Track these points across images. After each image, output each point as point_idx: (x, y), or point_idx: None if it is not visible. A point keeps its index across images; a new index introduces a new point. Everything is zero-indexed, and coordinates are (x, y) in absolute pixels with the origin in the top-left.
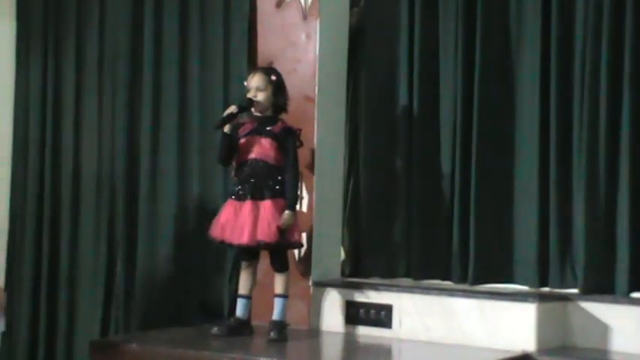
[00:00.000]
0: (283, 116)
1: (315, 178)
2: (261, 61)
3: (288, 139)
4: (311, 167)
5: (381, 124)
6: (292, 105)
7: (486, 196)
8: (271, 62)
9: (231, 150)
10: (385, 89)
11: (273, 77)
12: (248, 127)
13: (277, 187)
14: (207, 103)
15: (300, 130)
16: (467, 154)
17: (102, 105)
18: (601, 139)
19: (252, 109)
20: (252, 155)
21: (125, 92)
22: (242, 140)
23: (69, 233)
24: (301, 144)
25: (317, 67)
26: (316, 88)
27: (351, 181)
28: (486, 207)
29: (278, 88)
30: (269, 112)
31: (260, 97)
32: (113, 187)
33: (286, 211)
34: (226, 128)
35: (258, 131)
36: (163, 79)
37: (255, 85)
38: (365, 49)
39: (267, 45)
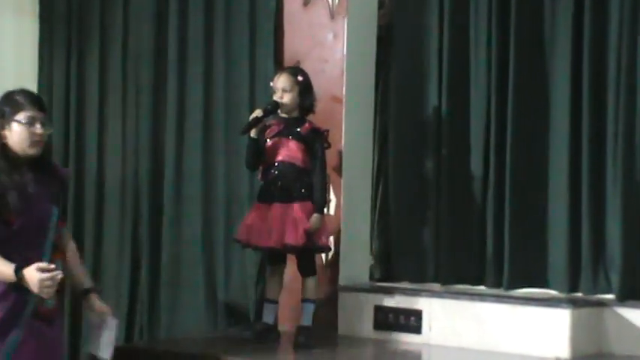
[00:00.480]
0: (310, 117)
1: (343, 180)
2: (288, 61)
3: (316, 141)
4: (339, 170)
5: (411, 125)
6: (319, 106)
7: (520, 199)
8: (298, 62)
9: (259, 154)
10: (414, 89)
11: (300, 77)
12: (275, 129)
13: (305, 189)
14: (233, 104)
15: (328, 131)
16: (500, 157)
17: (126, 105)
18: (637, 141)
19: (279, 111)
20: (279, 158)
21: (149, 92)
22: (269, 143)
23: (93, 235)
24: (329, 146)
25: (345, 67)
26: (344, 89)
27: (380, 184)
28: (520, 211)
29: (305, 89)
30: (296, 114)
31: (286, 98)
32: (137, 190)
33: (314, 214)
34: (252, 133)
35: (285, 133)
36: (188, 79)
37: (281, 86)
38: (393, 49)
39: (294, 45)
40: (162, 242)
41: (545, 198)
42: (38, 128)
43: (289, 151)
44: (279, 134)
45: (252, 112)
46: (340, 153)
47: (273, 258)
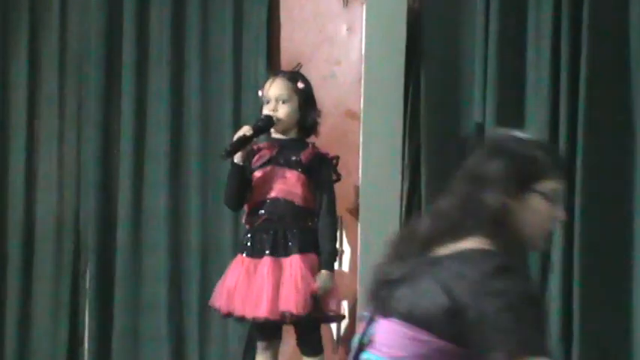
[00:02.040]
0: (314, 139)
1: (360, 224)
2: (286, 62)
3: (322, 171)
4: (354, 209)
5: (451, 145)
6: (327, 123)
7: (593, 231)
8: (299, 65)
9: (244, 187)
10: (456, 99)
11: (300, 85)
12: (266, 155)
13: (307, 237)
14: (211, 121)
15: (338, 158)
16: (570, 181)
17: (64, 123)
18: None
19: (272, 130)
20: (271, 193)
21: (96, 107)
22: (258, 173)
23: (17, 299)
24: (339, 177)
25: (363, 70)
26: (362, 100)
27: None
28: (593, 246)
29: (307, 100)
30: (294, 134)
31: (282, 112)
32: (78, 236)
33: (321, 271)
34: (237, 157)
35: (281, 160)
36: (149, 87)
37: (275, 96)
38: (428, 46)
39: (294, 41)
40: (114, 309)
41: (630, 220)
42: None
43: (286, 185)
44: (271, 161)
45: (236, 130)
46: (356, 188)
47: (265, 331)
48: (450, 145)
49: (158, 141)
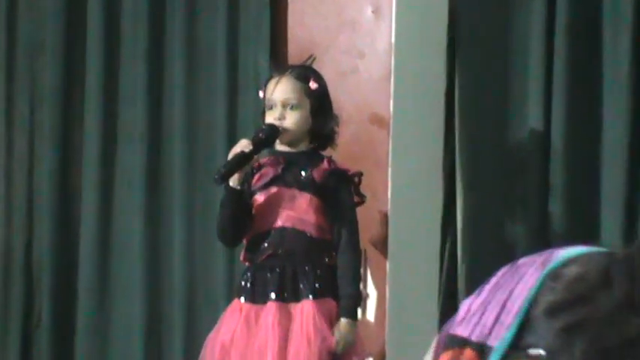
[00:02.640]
0: (330, 152)
1: (389, 261)
2: (295, 54)
3: (341, 192)
4: (382, 241)
5: (501, 158)
6: (347, 132)
7: None
8: (312, 57)
9: (242, 216)
10: (509, 101)
11: (313, 84)
12: (269, 173)
13: (323, 277)
14: (198, 132)
15: (361, 175)
16: None
17: (12, 131)
18: None
19: (277, 142)
20: (277, 222)
21: (53, 111)
22: (259, 196)
23: None
24: (363, 200)
25: (392, 64)
26: (391, 103)
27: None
28: None
29: (321, 104)
30: (305, 146)
31: (290, 119)
32: (31, 278)
33: (341, 321)
34: (233, 180)
35: (288, 179)
36: (120, 87)
37: (281, 99)
38: (466, 32)
39: (305, 26)
40: None
41: None
42: None
43: (295, 211)
44: (277, 181)
45: (231, 145)
46: (384, 213)
47: None
48: (499, 155)
49: (131, 155)
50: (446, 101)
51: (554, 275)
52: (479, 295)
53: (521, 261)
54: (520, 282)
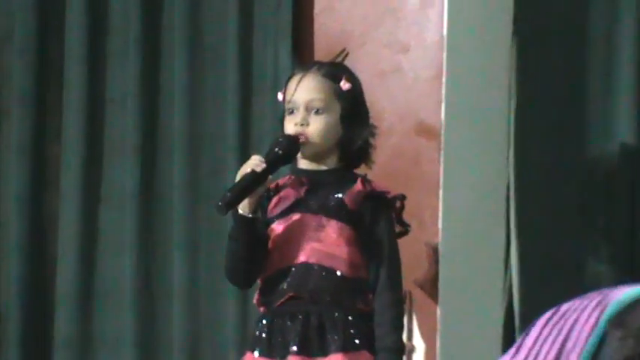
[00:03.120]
0: (365, 171)
1: (440, 305)
2: (322, 48)
3: (379, 220)
4: (430, 281)
5: (576, 183)
6: (387, 144)
7: None
8: (344, 51)
9: (255, 250)
10: (588, 113)
11: (346, 85)
12: (289, 197)
13: (357, 326)
14: (202, 143)
15: (404, 198)
16: None
17: None
18: None
19: (299, 156)
20: (299, 257)
21: (24, 117)
22: (277, 226)
23: None
24: (406, 229)
25: (444, 62)
26: (442, 108)
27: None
28: None
29: (354, 109)
30: (333, 162)
31: (315, 127)
32: None
33: None
34: (243, 207)
35: (313, 205)
36: (108, 87)
37: (304, 102)
38: (528, 23)
39: (336, 14)
40: None
41: None
42: None
43: (322, 243)
44: (299, 207)
45: (244, 161)
46: (433, 246)
47: None
48: (569, 184)
49: (120, 174)
50: (510, 105)
51: (618, 322)
52: (517, 352)
53: (566, 306)
54: (572, 332)
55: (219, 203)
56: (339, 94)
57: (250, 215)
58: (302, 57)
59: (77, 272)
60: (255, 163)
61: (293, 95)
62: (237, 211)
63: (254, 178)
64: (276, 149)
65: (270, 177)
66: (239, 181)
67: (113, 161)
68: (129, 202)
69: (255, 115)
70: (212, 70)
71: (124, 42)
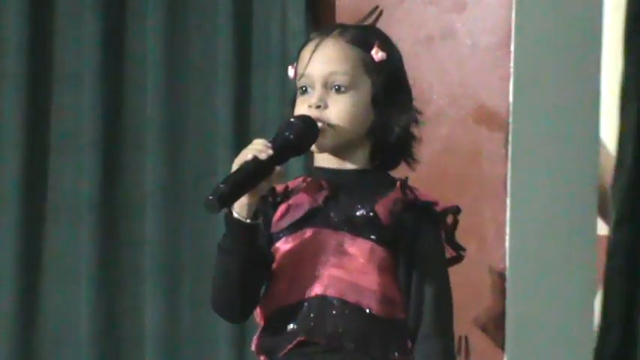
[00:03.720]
0: (405, 171)
1: (507, 353)
2: (347, 9)
3: (423, 240)
4: (494, 322)
5: None
6: (436, 137)
7: None
8: (376, 9)
9: (254, 270)
10: None
11: (379, 53)
12: (303, 204)
13: None
14: (183, 134)
15: (459, 211)
16: None
17: None
18: None
19: (315, 149)
20: (314, 288)
21: None
22: (284, 243)
23: None
24: (460, 254)
25: (513, 22)
26: (510, 86)
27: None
28: None
29: (390, 86)
30: (362, 159)
31: (337, 109)
32: None
33: None
34: (240, 208)
35: (334, 217)
36: (56, 65)
37: (322, 73)
38: None
39: None
40: None
41: None
42: None
43: (345, 271)
44: (315, 219)
45: (238, 151)
46: (499, 276)
47: None
48: None
49: (72, 177)
50: (624, 92)
51: None
52: None
53: None
54: None
55: (210, 197)
56: (370, 66)
57: (249, 220)
58: (319, 19)
59: (15, 310)
60: (258, 148)
61: (307, 67)
62: (232, 213)
63: (256, 169)
64: (287, 133)
65: (278, 169)
66: (236, 171)
67: (63, 160)
68: (85, 216)
69: (255, 98)
70: (197, 36)
71: (76, 5)
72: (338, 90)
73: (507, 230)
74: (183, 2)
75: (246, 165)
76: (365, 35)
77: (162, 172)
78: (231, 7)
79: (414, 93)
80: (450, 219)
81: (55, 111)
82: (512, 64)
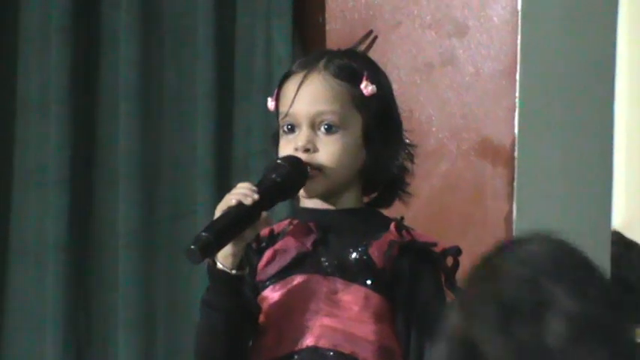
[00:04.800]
0: (399, 209)
1: None
2: (338, 31)
3: (422, 284)
4: None
5: None
6: (434, 172)
7: None
8: (370, 34)
9: (240, 326)
10: None
11: (369, 86)
12: (290, 249)
13: None
14: (159, 169)
15: (459, 252)
16: None
17: None
18: None
19: (302, 193)
20: (305, 339)
21: None
22: (271, 292)
23: None
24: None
25: (519, 47)
26: (516, 117)
27: None
28: None
29: (382, 121)
30: (353, 199)
31: (326, 151)
32: None
33: None
34: (224, 258)
35: (324, 262)
36: (20, 88)
37: (309, 113)
38: None
39: None
40: None
41: None
42: None
43: (339, 320)
44: (305, 266)
45: (219, 200)
46: None
47: None
48: None
49: (37, 215)
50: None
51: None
52: None
53: None
54: None
55: (192, 247)
56: (360, 101)
57: (234, 271)
58: (308, 44)
59: None
60: (243, 192)
61: (291, 106)
62: (215, 264)
63: (241, 215)
64: (274, 176)
65: (264, 215)
66: (220, 218)
67: (27, 196)
68: (51, 258)
69: (237, 131)
70: (174, 63)
71: (44, 20)
72: (328, 130)
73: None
74: (159, 26)
75: (230, 211)
76: (352, 66)
77: (137, 211)
78: (212, 32)
79: (412, 125)
80: (449, 260)
81: (18, 143)
82: (517, 94)
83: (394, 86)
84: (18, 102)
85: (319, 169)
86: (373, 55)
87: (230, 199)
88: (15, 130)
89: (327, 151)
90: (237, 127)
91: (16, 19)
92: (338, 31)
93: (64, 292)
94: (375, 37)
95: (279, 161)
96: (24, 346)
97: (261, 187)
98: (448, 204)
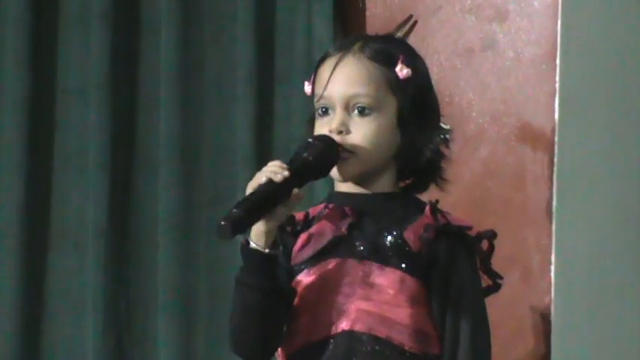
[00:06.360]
0: (435, 193)
1: None
2: (379, 18)
3: (457, 268)
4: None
5: None
6: (471, 157)
7: None
8: (409, 19)
9: (274, 309)
10: None
11: (404, 70)
12: (325, 233)
13: None
14: (202, 156)
15: (494, 236)
16: None
17: None
18: None
19: (336, 174)
20: (340, 324)
21: None
22: (305, 276)
23: None
24: (497, 283)
25: (559, 32)
26: (556, 101)
27: None
28: None
29: (418, 106)
30: (388, 183)
31: (360, 134)
32: None
33: None
34: (257, 237)
35: (359, 245)
36: (62, 72)
37: (343, 95)
38: None
39: None
40: None
41: None
42: None
43: (374, 304)
44: (339, 249)
45: (255, 171)
46: (543, 312)
47: None
48: None
49: (77, 200)
50: None
51: None
52: None
53: None
54: None
55: (222, 222)
56: (395, 84)
57: (267, 250)
58: (348, 28)
59: (16, 343)
60: (273, 169)
61: (326, 88)
62: (249, 243)
63: (271, 192)
64: (305, 154)
65: (295, 191)
66: (250, 194)
67: (67, 180)
68: (91, 243)
69: (278, 115)
70: (214, 47)
71: (84, 5)
72: (361, 112)
73: (553, 259)
74: (200, 10)
75: (260, 188)
76: (388, 50)
77: (176, 196)
78: (252, 16)
79: (452, 110)
80: (485, 244)
81: (59, 127)
82: (558, 79)
83: (434, 71)
84: (59, 87)
85: (352, 150)
86: (413, 39)
87: (260, 177)
88: (55, 114)
89: (360, 133)
90: (277, 111)
91: (57, 4)
92: (378, 15)
93: (104, 276)
94: (415, 22)
95: (310, 140)
96: (64, 331)
97: (292, 165)
98: (488, 189)
